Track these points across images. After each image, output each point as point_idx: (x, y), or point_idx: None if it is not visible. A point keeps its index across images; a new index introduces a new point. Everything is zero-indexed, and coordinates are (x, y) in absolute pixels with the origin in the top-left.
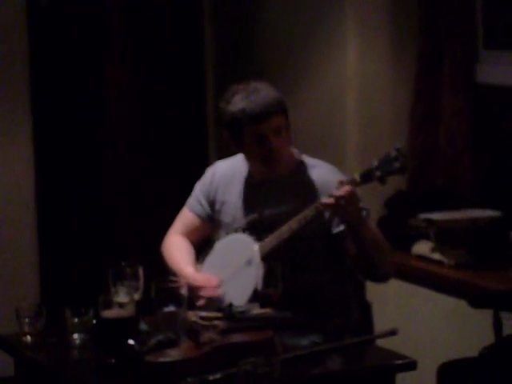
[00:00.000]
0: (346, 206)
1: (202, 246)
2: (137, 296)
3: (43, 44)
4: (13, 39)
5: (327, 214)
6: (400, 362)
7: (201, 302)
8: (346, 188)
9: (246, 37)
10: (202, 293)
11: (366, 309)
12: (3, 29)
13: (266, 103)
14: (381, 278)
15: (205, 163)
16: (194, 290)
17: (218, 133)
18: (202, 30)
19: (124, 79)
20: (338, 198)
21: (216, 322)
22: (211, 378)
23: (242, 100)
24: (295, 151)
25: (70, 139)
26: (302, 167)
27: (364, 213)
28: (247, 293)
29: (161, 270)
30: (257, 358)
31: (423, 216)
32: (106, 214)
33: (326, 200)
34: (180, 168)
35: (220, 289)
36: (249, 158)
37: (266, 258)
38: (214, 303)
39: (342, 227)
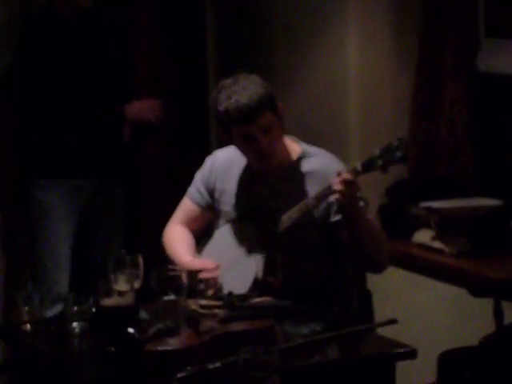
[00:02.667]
0: (346, 192)
1: (202, 235)
2: (137, 284)
3: None
4: None
5: (326, 203)
6: (400, 350)
7: (201, 286)
8: (348, 175)
9: (247, 24)
10: (201, 276)
11: (366, 297)
12: None
13: (251, 103)
14: (375, 269)
15: (206, 152)
16: (193, 275)
17: None
18: (203, 17)
19: None
20: (342, 182)
21: (216, 311)
22: (211, 366)
23: (227, 99)
24: (294, 140)
25: None
26: (301, 156)
27: (361, 203)
28: (247, 281)
29: (161, 259)
30: (257, 347)
31: (424, 204)
32: None
33: (335, 185)
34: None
35: (218, 271)
36: (241, 153)
37: (267, 246)
38: (214, 286)
39: (339, 216)
